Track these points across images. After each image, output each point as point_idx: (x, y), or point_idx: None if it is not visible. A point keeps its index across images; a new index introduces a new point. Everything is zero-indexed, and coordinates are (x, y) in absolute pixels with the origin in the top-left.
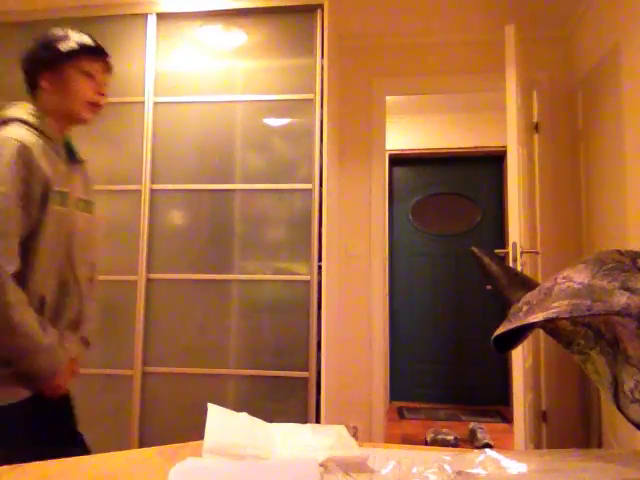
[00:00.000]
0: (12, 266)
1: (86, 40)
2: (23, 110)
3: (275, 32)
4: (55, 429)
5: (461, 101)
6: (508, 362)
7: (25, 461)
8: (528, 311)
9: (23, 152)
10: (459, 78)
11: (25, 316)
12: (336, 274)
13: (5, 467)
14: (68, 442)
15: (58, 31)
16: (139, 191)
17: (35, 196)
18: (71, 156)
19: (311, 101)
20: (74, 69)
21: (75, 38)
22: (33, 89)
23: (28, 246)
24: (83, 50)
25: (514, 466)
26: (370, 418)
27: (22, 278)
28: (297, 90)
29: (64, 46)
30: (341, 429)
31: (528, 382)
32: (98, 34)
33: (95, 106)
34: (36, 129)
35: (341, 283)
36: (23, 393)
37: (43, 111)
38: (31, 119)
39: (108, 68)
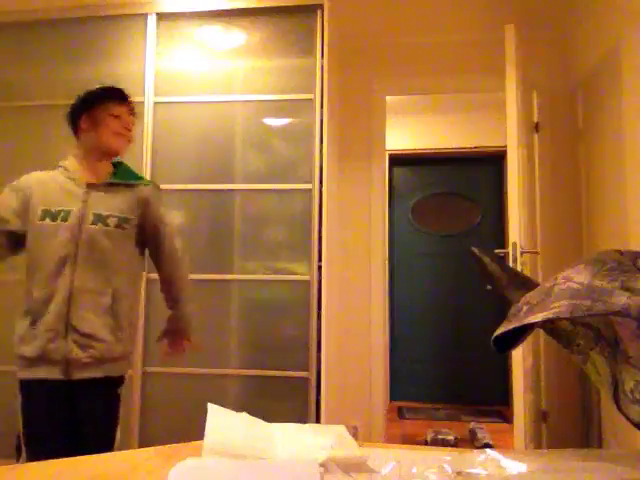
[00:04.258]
0: None
1: (111, 89)
2: (64, 159)
3: (275, 32)
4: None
5: (461, 101)
6: (508, 362)
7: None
8: (528, 311)
9: (17, 185)
10: (459, 78)
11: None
12: (336, 274)
13: (5, 467)
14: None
15: (92, 87)
16: None
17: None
18: (116, 178)
19: (311, 101)
20: (104, 112)
21: (103, 89)
22: (77, 132)
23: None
24: (109, 96)
25: (514, 466)
26: (370, 418)
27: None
28: (297, 90)
29: (95, 94)
30: (341, 429)
31: (528, 382)
32: (98, 34)
33: (121, 136)
34: (65, 168)
35: (341, 283)
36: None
37: (83, 149)
38: (63, 163)
39: (132, 111)
